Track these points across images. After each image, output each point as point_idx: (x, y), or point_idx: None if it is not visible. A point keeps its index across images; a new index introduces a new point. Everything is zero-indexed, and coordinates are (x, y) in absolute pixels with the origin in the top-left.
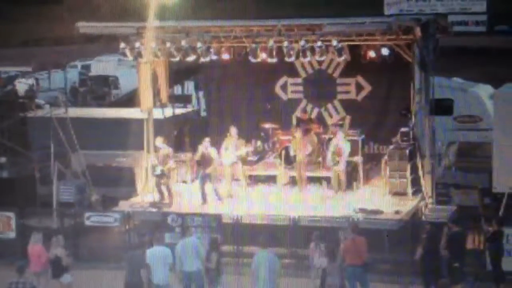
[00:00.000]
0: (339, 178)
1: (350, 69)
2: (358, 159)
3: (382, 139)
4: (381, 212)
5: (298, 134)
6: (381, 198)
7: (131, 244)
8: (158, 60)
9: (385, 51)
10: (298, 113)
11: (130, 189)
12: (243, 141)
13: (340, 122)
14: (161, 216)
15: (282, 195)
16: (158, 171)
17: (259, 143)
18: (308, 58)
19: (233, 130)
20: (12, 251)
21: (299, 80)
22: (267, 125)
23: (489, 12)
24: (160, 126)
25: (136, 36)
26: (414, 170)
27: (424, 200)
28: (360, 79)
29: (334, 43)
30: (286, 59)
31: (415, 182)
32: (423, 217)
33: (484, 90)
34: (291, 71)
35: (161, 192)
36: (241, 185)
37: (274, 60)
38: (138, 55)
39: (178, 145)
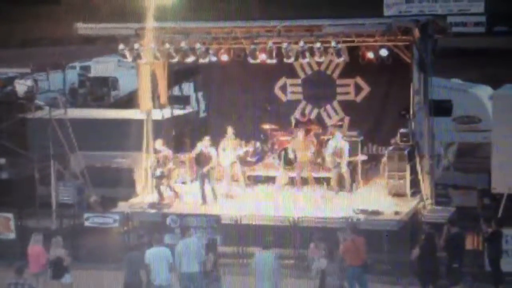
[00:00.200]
0: (341, 178)
1: (349, 70)
2: (362, 157)
3: (381, 140)
4: (380, 213)
5: (300, 135)
6: (381, 199)
7: (130, 245)
8: (157, 61)
9: (383, 52)
10: (297, 114)
11: (129, 190)
12: (240, 141)
13: (339, 123)
14: (161, 217)
15: (281, 196)
16: (158, 173)
17: (258, 144)
18: (307, 59)
19: (230, 131)
20: (11, 252)
21: (298, 81)
22: (266, 126)
23: (488, 13)
24: (159, 127)
25: (135, 37)
26: (413, 171)
27: (423, 200)
28: (359, 80)
29: (333, 44)
30: (285, 60)
31: (414, 183)
32: (422, 217)
33: (483, 91)
34: (290, 72)
35: (160, 193)
36: (241, 185)
37: (273, 61)
38: (137, 56)
39: (177, 146)
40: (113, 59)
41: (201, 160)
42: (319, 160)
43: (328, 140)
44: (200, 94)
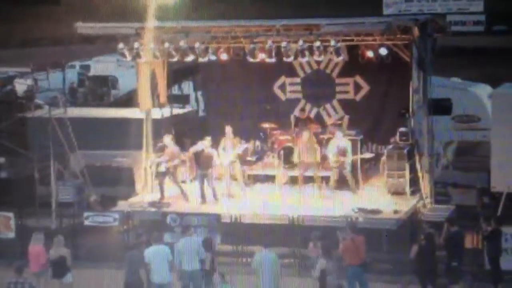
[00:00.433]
0: (343, 177)
1: (348, 69)
2: (368, 155)
3: (380, 139)
4: (380, 212)
5: (306, 135)
6: (380, 197)
7: (130, 244)
8: (156, 61)
9: (383, 51)
10: (296, 113)
11: (129, 189)
12: (239, 139)
13: (339, 122)
14: (161, 215)
15: (281, 195)
16: (163, 168)
17: (258, 143)
18: (307, 58)
19: (228, 130)
20: (11, 251)
21: (298, 80)
22: (265, 125)
23: (487, 12)
24: (159, 126)
25: (135, 36)
26: (412, 169)
27: (422, 199)
28: (358, 79)
29: (333, 43)
30: (285, 59)
31: (414, 182)
32: (421, 216)
33: (482, 90)
34: (290, 71)
35: (162, 191)
36: (240, 185)
37: (273, 60)
38: (137, 55)
39: (177, 145)
40: (112, 58)
41: (202, 160)
42: (318, 159)
43: (328, 139)
44: (199, 93)
